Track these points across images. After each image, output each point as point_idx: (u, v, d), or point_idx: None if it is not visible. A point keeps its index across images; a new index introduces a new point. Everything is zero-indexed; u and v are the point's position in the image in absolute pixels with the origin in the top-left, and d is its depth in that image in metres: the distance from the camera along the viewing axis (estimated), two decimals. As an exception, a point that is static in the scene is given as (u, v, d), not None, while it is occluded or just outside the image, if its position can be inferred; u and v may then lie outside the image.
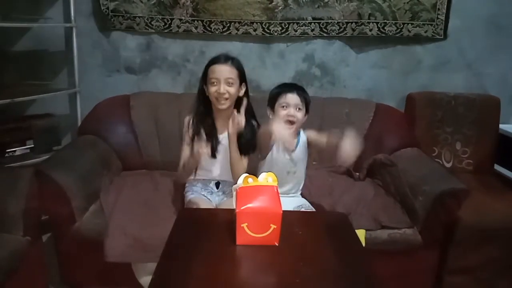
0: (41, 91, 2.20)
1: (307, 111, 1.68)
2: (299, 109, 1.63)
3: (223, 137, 1.72)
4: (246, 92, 1.73)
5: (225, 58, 1.67)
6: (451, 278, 1.85)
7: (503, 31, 2.35)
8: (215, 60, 1.68)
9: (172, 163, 2.09)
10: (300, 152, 1.71)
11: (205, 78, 1.69)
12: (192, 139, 1.70)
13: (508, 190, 2.08)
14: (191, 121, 1.73)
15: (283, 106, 1.63)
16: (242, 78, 1.70)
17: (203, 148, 1.59)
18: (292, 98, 1.63)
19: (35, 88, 2.21)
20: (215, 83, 1.64)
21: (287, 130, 1.57)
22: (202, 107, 1.73)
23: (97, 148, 2.00)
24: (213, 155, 1.72)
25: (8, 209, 1.46)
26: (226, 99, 1.65)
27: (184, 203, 1.75)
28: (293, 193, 1.76)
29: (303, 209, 1.67)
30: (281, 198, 1.62)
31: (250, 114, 1.74)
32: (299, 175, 1.73)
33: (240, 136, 1.68)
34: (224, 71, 1.64)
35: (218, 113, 1.72)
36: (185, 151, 1.71)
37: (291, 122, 1.62)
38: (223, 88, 1.63)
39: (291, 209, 1.62)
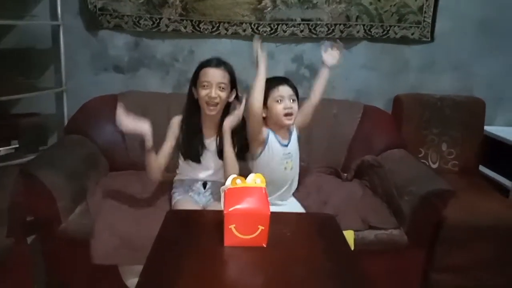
0: (27, 89, 2.17)
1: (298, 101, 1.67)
2: (293, 100, 1.62)
3: (209, 142, 1.72)
4: (237, 97, 1.71)
5: (218, 62, 1.65)
6: (438, 276, 1.87)
7: (490, 33, 2.39)
8: (207, 63, 1.65)
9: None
10: (293, 145, 1.71)
11: (195, 81, 1.67)
12: (178, 140, 1.70)
13: (492, 190, 2.12)
14: (179, 123, 1.71)
15: (278, 100, 1.61)
16: (233, 84, 1.68)
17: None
18: (284, 90, 1.61)
19: (21, 87, 2.17)
20: (206, 86, 1.62)
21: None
22: (190, 111, 1.71)
23: (84, 148, 1.98)
24: (198, 160, 1.71)
25: (-8, 209, 1.44)
26: (217, 104, 1.63)
27: (171, 203, 1.74)
28: (287, 197, 1.75)
29: None
30: (277, 207, 1.64)
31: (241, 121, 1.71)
32: (295, 170, 1.72)
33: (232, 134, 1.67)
34: (217, 76, 1.62)
35: (206, 117, 1.70)
36: (165, 147, 1.67)
37: (290, 114, 1.61)
38: (215, 92, 1.61)
39: None
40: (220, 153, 1.69)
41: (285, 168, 1.69)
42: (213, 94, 1.61)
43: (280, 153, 1.67)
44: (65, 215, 1.67)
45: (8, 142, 2.16)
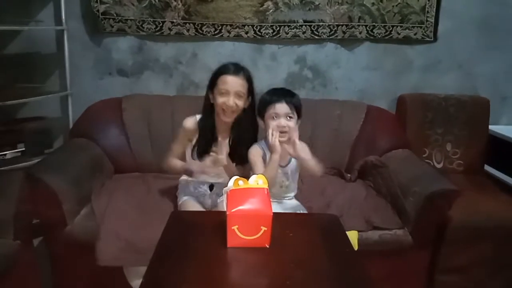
0: (33, 94, 2.18)
1: (299, 116, 1.63)
2: (289, 117, 1.58)
3: (223, 144, 1.71)
4: (253, 103, 1.68)
5: (236, 69, 1.63)
6: (443, 277, 1.86)
7: (493, 32, 2.38)
8: (226, 70, 1.62)
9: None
10: (293, 166, 1.69)
11: (212, 86, 1.65)
12: (191, 141, 1.71)
13: (498, 190, 2.11)
14: (196, 124, 1.69)
15: (273, 117, 1.58)
16: (251, 90, 1.66)
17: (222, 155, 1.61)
18: (281, 107, 1.57)
19: (26, 91, 2.19)
20: (224, 94, 1.60)
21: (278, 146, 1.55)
22: (205, 113, 1.69)
23: (89, 151, 2.00)
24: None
25: (-2, 213, 1.45)
26: (233, 112, 1.62)
27: (177, 205, 1.75)
28: (288, 199, 1.74)
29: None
30: (276, 203, 1.64)
31: (253, 126, 1.71)
32: (291, 188, 1.72)
33: (239, 146, 1.68)
34: (236, 84, 1.60)
35: (220, 121, 1.69)
36: (178, 150, 1.72)
37: (283, 133, 1.58)
38: (232, 101, 1.60)
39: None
40: (232, 156, 1.68)
41: (281, 186, 1.68)
42: (231, 103, 1.60)
43: (278, 174, 1.63)
44: (70, 217, 1.68)
45: (14, 146, 2.18)
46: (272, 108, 1.59)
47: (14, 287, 1.45)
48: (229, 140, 1.71)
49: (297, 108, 1.61)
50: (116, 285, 1.68)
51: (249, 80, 1.65)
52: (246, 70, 1.66)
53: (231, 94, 1.60)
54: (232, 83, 1.60)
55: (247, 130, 1.70)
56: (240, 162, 1.70)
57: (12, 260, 1.42)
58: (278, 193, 1.68)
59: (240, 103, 1.62)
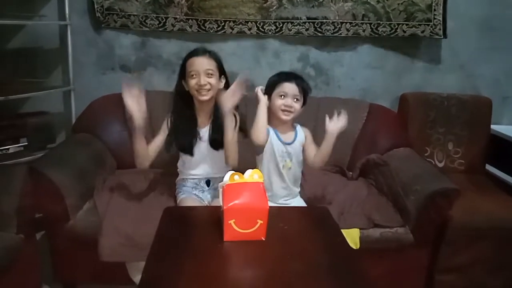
0: (35, 89, 2.20)
1: (305, 102, 1.65)
2: (296, 99, 1.61)
3: (203, 132, 1.73)
4: (227, 84, 1.72)
5: (203, 51, 1.69)
6: (442, 276, 1.86)
7: (496, 32, 2.37)
8: (192, 54, 1.69)
9: (167, 161, 2.10)
10: (297, 147, 1.69)
11: (183, 73, 1.70)
12: (170, 135, 1.71)
13: (499, 190, 2.10)
14: (168, 120, 1.72)
15: (281, 96, 1.60)
16: (221, 70, 1.71)
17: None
18: (290, 88, 1.60)
19: (29, 86, 2.20)
20: (194, 75, 1.65)
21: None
22: (181, 103, 1.73)
23: (91, 146, 2.01)
24: (191, 152, 1.73)
25: (2, 207, 1.46)
26: (208, 90, 1.66)
27: (176, 202, 1.76)
28: (292, 198, 1.74)
29: None
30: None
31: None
32: (294, 172, 1.71)
33: (219, 128, 1.69)
34: (203, 63, 1.65)
35: (200, 107, 1.72)
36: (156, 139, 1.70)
37: (288, 112, 1.61)
38: (203, 79, 1.64)
39: None
40: (213, 142, 1.71)
41: (283, 167, 1.66)
42: (202, 82, 1.64)
43: (279, 149, 1.65)
44: (73, 212, 1.69)
45: (17, 140, 2.19)
46: (280, 87, 1.61)
47: (16, 281, 1.47)
48: (210, 126, 1.73)
49: (304, 92, 1.63)
50: (118, 280, 1.69)
51: (216, 59, 1.69)
52: (212, 51, 1.71)
53: (201, 73, 1.64)
54: (200, 63, 1.65)
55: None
56: (221, 146, 1.71)
57: (14, 254, 1.43)
58: (281, 177, 1.67)
59: (212, 81, 1.65)
